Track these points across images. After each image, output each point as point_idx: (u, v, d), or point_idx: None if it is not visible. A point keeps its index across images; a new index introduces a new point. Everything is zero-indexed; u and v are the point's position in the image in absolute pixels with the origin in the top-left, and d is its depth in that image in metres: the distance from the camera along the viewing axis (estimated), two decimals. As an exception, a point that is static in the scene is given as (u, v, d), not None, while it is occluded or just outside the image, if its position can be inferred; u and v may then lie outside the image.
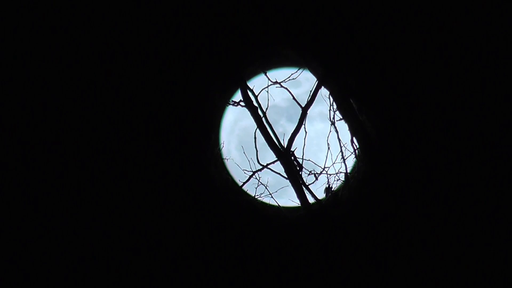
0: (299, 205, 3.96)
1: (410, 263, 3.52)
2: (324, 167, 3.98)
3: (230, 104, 3.88)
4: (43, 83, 3.38)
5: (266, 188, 4.07)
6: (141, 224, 3.62)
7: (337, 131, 3.83)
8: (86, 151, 3.49)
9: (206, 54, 3.56)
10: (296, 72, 3.93)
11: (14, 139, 3.41)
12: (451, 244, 3.40)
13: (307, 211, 3.83)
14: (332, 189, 3.97)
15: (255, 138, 3.90)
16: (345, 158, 3.83)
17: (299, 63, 3.82)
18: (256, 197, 4.08)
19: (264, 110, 3.80)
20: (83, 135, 3.47)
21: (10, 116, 3.38)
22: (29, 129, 3.41)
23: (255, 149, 3.94)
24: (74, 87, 3.43)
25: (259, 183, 4.06)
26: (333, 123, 3.82)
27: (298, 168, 3.75)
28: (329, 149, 3.88)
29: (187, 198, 3.73)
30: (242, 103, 3.78)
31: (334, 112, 3.79)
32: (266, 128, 3.74)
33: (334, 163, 3.91)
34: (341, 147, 3.90)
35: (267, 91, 3.84)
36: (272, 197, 4.12)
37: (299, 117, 3.82)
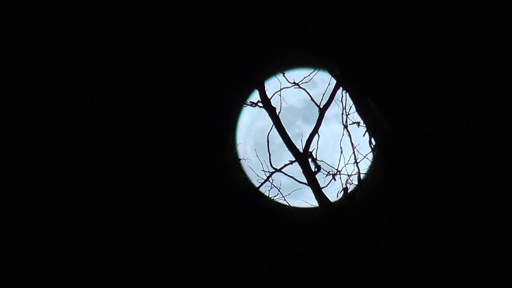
0: (315, 206, 4.02)
1: (427, 265, 3.57)
2: (337, 169, 4.04)
3: (247, 105, 3.96)
4: (68, 87, 3.50)
5: (279, 191, 4.10)
6: (158, 226, 3.69)
7: (350, 135, 3.90)
8: (100, 153, 3.58)
9: (223, 55, 3.64)
10: (312, 73, 3.99)
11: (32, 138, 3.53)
12: (469, 246, 3.45)
13: (325, 213, 3.88)
14: (348, 191, 4.03)
15: (267, 141, 3.95)
16: (358, 161, 3.90)
17: (317, 64, 3.90)
18: (272, 198, 4.13)
19: (280, 111, 3.86)
20: (96, 138, 3.56)
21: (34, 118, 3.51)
22: (51, 130, 3.53)
23: (269, 151, 3.99)
24: (94, 89, 3.54)
25: (272, 185, 4.08)
26: (345, 127, 3.90)
27: (316, 169, 3.82)
28: (342, 153, 3.95)
29: (203, 199, 3.78)
30: (260, 104, 3.86)
31: (347, 115, 3.87)
32: (284, 129, 3.81)
33: (347, 163, 3.98)
34: (354, 151, 3.97)
35: (279, 94, 3.90)
36: (285, 199, 4.16)
37: (316, 118, 3.89)
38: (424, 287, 3.51)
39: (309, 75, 3.96)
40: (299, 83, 3.90)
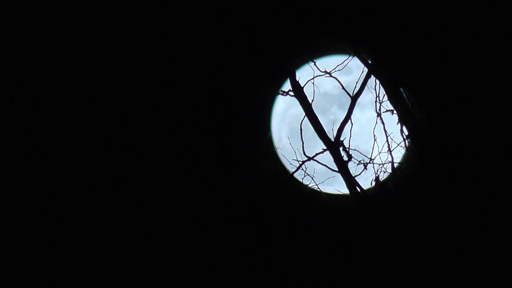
0: (348, 194, 4.10)
1: (463, 257, 3.59)
2: (371, 158, 4.07)
3: (279, 94, 4.06)
4: (101, 86, 3.68)
5: (312, 179, 4.20)
6: (192, 216, 3.85)
7: (383, 123, 3.92)
8: (133, 143, 3.75)
9: (255, 44, 3.74)
10: (346, 60, 4.01)
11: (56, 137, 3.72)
12: (505, 237, 3.42)
13: (356, 202, 3.97)
14: (381, 180, 4.07)
15: (301, 130, 4.02)
16: (391, 149, 3.94)
17: (349, 52, 3.93)
18: (308, 184, 4.21)
19: (313, 99, 3.91)
20: (131, 127, 3.72)
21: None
22: (85, 128, 3.72)
23: (303, 139, 4.04)
24: (128, 78, 3.71)
25: (305, 173, 4.17)
26: (379, 115, 3.93)
27: (347, 158, 3.89)
28: (375, 141, 3.98)
29: (236, 188, 3.95)
30: (291, 93, 3.93)
31: (381, 103, 3.89)
32: (316, 118, 3.88)
33: (380, 152, 4.02)
34: (387, 138, 3.98)
35: (313, 82, 3.95)
36: (318, 187, 4.24)
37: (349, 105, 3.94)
38: (456, 276, 3.53)
39: (342, 63, 4.00)
40: (331, 72, 3.95)
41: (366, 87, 3.80)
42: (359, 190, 3.93)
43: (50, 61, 3.60)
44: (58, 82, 3.62)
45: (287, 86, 4.12)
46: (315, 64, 3.98)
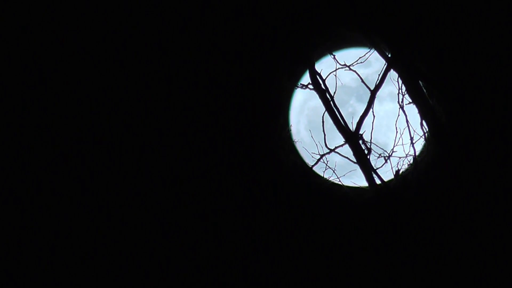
0: (368, 187, 4.12)
1: (482, 249, 3.59)
2: (392, 151, 4.10)
3: (298, 87, 4.11)
4: (115, 84, 3.72)
5: (333, 172, 4.23)
6: (211, 210, 3.89)
7: (405, 115, 3.93)
8: (155, 136, 3.79)
9: (274, 37, 3.75)
10: (367, 53, 4.03)
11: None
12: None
13: (376, 194, 4.00)
14: (401, 172, 4.09)
15: (323, 122, 4.04)
16: (413, 142, 3.96)
17: (368, 45, 3.95)
18: (328, 178, 4.26)
19: (332, 93, 3.95)
20: (151, 120, 3.74)
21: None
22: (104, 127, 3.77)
23: (324, 132, 4.08)
24: (152, 71, 3.75)
25: (327, 166, 4.21)
26: (401, 107, 3.93)
27: (367, 151, 3.92)
28: (397, 133, 4.01)
29: (256, 181, 3.99)
30: (310, 86, 3.97)
31: (403, 95, 3.90)
32: (335, 111, 3.92)
33: (400, 143, 4.02)
34: (409, 130, 3.99)
35: (335, 75, 3.99)
36: (339, 180, 4.27)
37: (368, 98, 3.95)
38: (476, 267, 3.54)
39: (364, 55, 4.03)
40: (350, 66, 3.97)
41: (385, 80, 3.80)
42: (379, 182, 3.95)
43: (51, 60, 3.63)
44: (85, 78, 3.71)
45: (305, 79, 4.17)
46: (334, 58, 4.01)
